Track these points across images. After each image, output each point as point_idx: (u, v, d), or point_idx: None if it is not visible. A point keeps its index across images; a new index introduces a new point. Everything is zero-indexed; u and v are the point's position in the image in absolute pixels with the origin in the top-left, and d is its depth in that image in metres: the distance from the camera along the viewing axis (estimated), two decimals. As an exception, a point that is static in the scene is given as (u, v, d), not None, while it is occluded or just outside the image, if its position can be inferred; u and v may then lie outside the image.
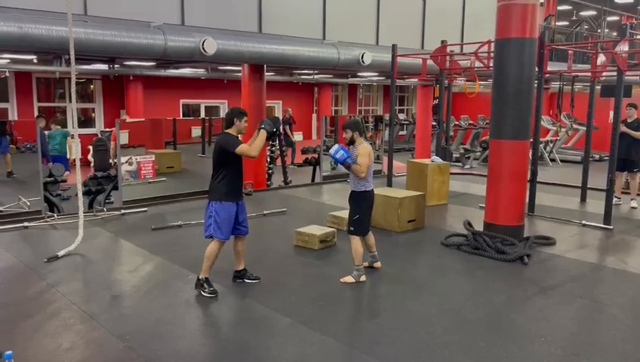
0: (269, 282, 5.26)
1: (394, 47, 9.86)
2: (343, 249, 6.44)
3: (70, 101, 14.53)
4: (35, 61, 12.11)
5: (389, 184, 9.65)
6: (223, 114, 17.82)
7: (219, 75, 16.22)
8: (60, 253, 5.87)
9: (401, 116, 22.58)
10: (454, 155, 14.69)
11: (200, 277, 4.91)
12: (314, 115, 21.44)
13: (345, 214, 7.34)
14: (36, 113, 14.54)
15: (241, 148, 4.72)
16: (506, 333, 4.24)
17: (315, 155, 12.38)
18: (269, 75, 11.78)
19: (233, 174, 4.88)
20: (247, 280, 5.22)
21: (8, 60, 11.90)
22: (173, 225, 7.28)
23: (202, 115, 17.87)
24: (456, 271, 5.84)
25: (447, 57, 10.13)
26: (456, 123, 16.58)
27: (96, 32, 7.71)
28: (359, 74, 17.17)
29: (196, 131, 14.29)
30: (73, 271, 5.57)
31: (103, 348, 3.94)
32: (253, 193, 9.77)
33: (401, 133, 22.05)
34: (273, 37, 10.09)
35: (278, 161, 11.85)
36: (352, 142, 5.34)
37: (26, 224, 7.14)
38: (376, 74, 16.41)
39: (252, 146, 4.81)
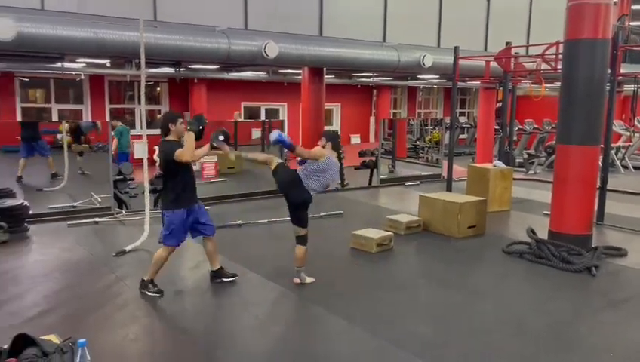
0: (326, 284, 5.29)
1: (456, 49, 9.68)
2: (401, 253, 6.39)
3: (139, 103, 15.24)
4: (107, 65, 12.76)
5: (449, 188, 9.47)
6: (282, 116, 18.10)
7: (279, 78, 16.47)
8: (128, 248, 6.16)
9: (462, 119, 22.09)
10: (517, 160, 14.20)
11: (145, 279, 4.90)
12: (372, 118, 21.35)
13: (403, 218, 7.31)
14: (108, 115, 15.33)
15: (175, 153, 4.59)
16: (570, 346, 4.06)
17: (373, 158, 12.33)
18: (328, 78, 11.86)
19: (180, 181, 4.77)
20: (224, 279, 5.22)
21: (84, 64, 12.61)
22: (233, 225, 7.46)
23: (262, 117, 18.21)
24: (518, 280, 5.65)
25: (512, 59, 9.83)
26: (520, 127, 16.02)
27: (164, 37, 8.06)
28: (419, 76, 16.96)
29: (256, 133, 14.61)
30: (139, 265, 5.82)
31: (165, 340, 4.10)
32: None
33: (461, 136, 21.58)
34: (333, 40, 10.16)
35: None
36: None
37: (96, 219, 7.55)
38: (437, 76, 16.15)
39: (184, 150, 4.61)
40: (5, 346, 2.78)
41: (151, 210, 6.89)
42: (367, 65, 10.87)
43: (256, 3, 9.45)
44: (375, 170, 11.75)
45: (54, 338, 3.08)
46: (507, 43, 9.84)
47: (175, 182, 4.77)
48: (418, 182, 11.52)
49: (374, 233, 6.46)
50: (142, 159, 6.87)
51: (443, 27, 12.03)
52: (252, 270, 5.55)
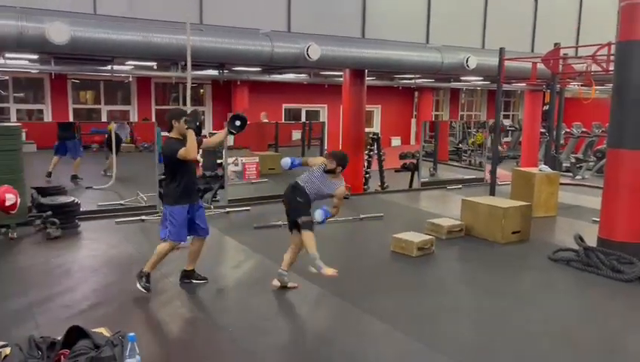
0: (366, 286, 5.28)
1: (501, 50, 9.47)
2: (442, 257, 6.31)
3: (184, 104, 15.61)
4: (154, 67, 13.13)
5: (492, 193, 9.28)
6: (322, 118, 18.17)
7: (320, 80, 16.54)
8: (172, 246, 6.30)
9: (507, 122, 21.60)
10: (564, 165, 13.78)
11: (144, 270, 4.92)
12: (413, 120, 21.16)
13: (444, 222, 7.21)
14: (154, 115, 15.78)
15: (180, 153, 4.65)
16: (620, 359, 3.91)
17: (414, 160, 12.22)
18: (369, 80, 11.81)
19: (183, 178, 4.81)
20: (194, 281, 5.20)
21: (132, 67, 13.01)
22: (274, 225, 7.54)
23: (303, 119, 18.33)
24: (564, 288, 5.48)
25: (561, 61, 9.55)
26: (568, 130, 15.53)
27: (210, 40, 8.21)
28: (462, 78, 16.68)
29: (296, 135, 14.72)
30: (183, 263, 5.95)
31: (208, 337, 4.18)
32: (350, 197, 9.85)
33: (505, 139, 21.09)
34: (376, 42, 10.11)
35: (375, 166, 11.84)
36: (331, 171, 5.01)
37: (143, 217, 7.77)
38: (481, 78, 15.84)
39: (187, 149, 4.64)
40: (59, 337, 2.90)
41: (194, 209, 7.03)
42: (410, 67, 10.78)
43: (299, 6, 9.52)
44: (416, 173, 11.65)
45: (105, 331, 3.19)
46: (556, 44, 9.57)
47: (178, 179, 4.81)
48: (460, 186, 11.33)
49: (415, 236, 6.39)
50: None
51: (488, 28, 11.80)
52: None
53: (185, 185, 4.85)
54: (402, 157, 14.23)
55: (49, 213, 6.84)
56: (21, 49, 7.92)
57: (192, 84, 6.69)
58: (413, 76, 16.58)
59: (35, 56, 10.96)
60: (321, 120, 17.80)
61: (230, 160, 9.20)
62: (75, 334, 2.84)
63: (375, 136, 11.78)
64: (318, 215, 4.86)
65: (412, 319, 4.52)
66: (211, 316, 4.54)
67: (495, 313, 4.74)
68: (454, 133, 19.36)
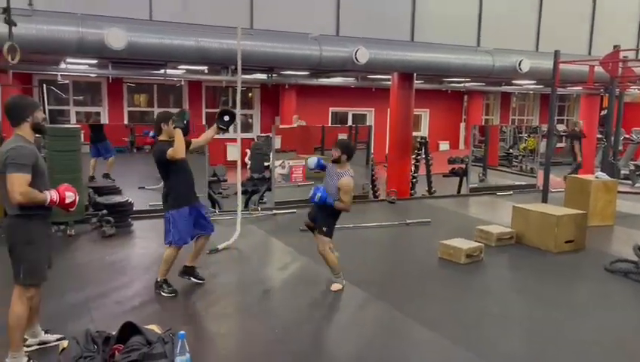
0: (412, 291, 5.22)
1: (556, 53, 9.16)
2: (491, 265, 6.15)
3: (234, 107, 15.91)
4: (205, 71, 13.46)
5: (545, 200, 8.97)
6: (369, 122, 18.09)
7: (367, 84, 16.49)
8: (220, 247, 6.43)
9: (560, 127, 20.86)
10: (623, 172, 13.16)
11: (158, 279, 4.92)
12: (462, 124, 20.75)
13: (494, 229, 7.03)
14: (204, 118, 16.15)
15: (168, 153, 4.59)
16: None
17: (463, 165, 11.98)
18: (417, 83, 11.68)
19: (178, 179, 4.77)
20: (193, 279, 5.16)
21: (184, 71, 13.38)
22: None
23: (349, 122, 18.31)
24: (622, 301, 5.23)
25: (620, 63, 9.14)
26: (627, 136, 14.84)
27: (260, 44, 8.34)
28: (514, 82, 16.25)
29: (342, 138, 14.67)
30: (231, 263, 6.07)
31: (254, 337, 4.23)
32: (397, 201, 9.76)
33: (559, 145, 20.36)
34: (425, 45, 10.00)
35: (422, 170, 11.69)
36: (336, 161, 5.03)
37: (192, 217, 7.95)
38: (534, 82, 15.39)
39: (174, 148, 4.58)
40: (114, 332, 3.00)
41: (242, 210, 7.15)
42: (460, 70, 10.60)
43: (348, 10, 9.53)
44: (465, 178, 11.42)
45: (156, 328, 3.28)
46: (615, 46, 9.17)
47: (174, 182, 4.79)
48: (510, 192, 11.02)
49: (463, 243, 6.26)
50: (235, 161, 7.15)
51: (542, 30, 11.44)
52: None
53: (183, 187, 4.82)
54: (451, 161, 13.99)
55: (104, 211, 7.12)
56: (81, 54, 8.31)
57: (242, 87, 6.80)
58: (462, 80, 16.28)
59: (94, 61, 11.46)
60: (367, 123, 17.73)
61: (277, 163, 9.29)
62: (129, 330, 2.94)
63: (423, 141, 11.62)
64: (310, 162, 5.15)
65: (460, 327, 4.43)
66: (257, 317, 4.58)
67: (547, 323, 4.57)
68: (505, 138, 18.82)
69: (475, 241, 6.56)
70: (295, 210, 8.70)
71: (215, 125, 5.08)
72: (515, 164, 16.40)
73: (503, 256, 6.57)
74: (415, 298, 5.06)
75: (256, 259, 6.45)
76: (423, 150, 11.47)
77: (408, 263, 6.22)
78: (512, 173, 14.97)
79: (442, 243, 6.33)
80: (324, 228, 5.09)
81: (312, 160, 5.27)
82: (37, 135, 3.58)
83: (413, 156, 11.43)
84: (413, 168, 11.33)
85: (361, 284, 5.27)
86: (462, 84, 17.70)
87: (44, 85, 11.38)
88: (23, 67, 10.74)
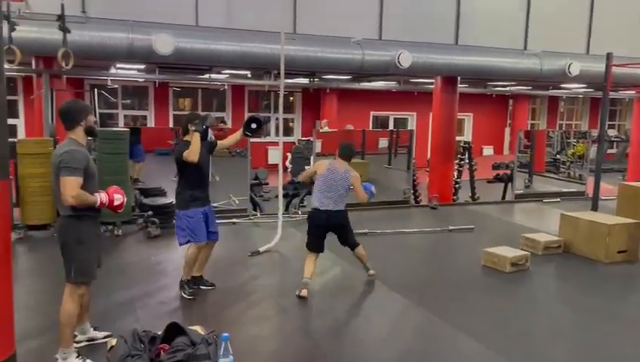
0: (454, 300, 5.11)
1: (609, 55, 8.81)
2: (538, 274, 5.97)
3: (275, 111, 16.07)
4: (248, 76, 13.65)
5: (595, 208, 8.62)
6: (410, 126, 17.92)
7: (409, 88, 16.34)
8: (261, 249, 6.49)
9: (612, 132, 20.09)
10: (679, 179, 12.53)
11: (182, 278, 4.96)
12: (507, 129, 20.28)
13: (541, 237, 6.82)
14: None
15: (184, 155, 4.63)
16: None
17: (507, 171, 11.69)
18: (461, 87, 11.48)
19: (189, 181, 4.79)
20: (202, 287, 5.10)
21: (228, 75, 13.61)
22: (360, 232, 7.49)
23: (390, 126, 18.19)
24: (679, 317, 4.97)
25: (678, 66, 8.72)
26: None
27: (302, 49, 8.39)
28: (563, 85, 15.75)
29: (383, 142, 14.60)
30: (272, 266, 6.12)
31: (293, 341, 4.25)
32: (439, 207, 9.61)
33: (609, 151, 19.61)
34: (470, 48, 9.82)
35: (465, 176, 11.47)
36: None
37: (234, 220, 8.06)
38: (584, 85, 14.87)
39: (189, 150, 4.62)
40: (160, 332, 3.06)
41: (283, 213, 7.19)
42: (506, 74, 10.35)
43: (391, 14, 9.47)
44: (510, 184, 11.13)
45: (200, 329, 3.33)
46: (672, 48, 8.76)
47: (184, 182, 4.83)
48: (558, 199, 10.67)
49: (508, 251, 6.10)
50: (277, 164, 7.21)
51: (593, 31, 11.05)
52: (377, 279, 5.54)
53: (192, 189, 4.82)
54: (495, 167, 13.66)
55: (150, 212, 7.30)
56: (130, 59, 8.57)
57: (284, 91, 6.85)
58: (508, 83, 15.91)
59: (142, 66, 11.80)
60: (409, 128, 17.56)
61: (318, 166, 9.29)
62: (174, 330, 2.99)
63: (466, 145, 11.42)
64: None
65: (504, 337, 4.31)
66: (296, 320, 4.60)
67: (595, 336, 4.39)
68: (552, 143, 18.26)
69: (521, 249, 6.39)
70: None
71: (241, 130, 5.10)
72: (563, 170, 15.89)
73: (550, 266, 6.36)
74: (458, 306, 4.96)
75: (296, 262, 6.43)
76: (467, 155, 11.27)
77: (450, 270, 6.11)
78: (559, 179, 14.51)
79: (486, 251, 6.19)
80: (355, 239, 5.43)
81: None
82: (89, 138, 3.71)
83: (456, 161, 11.24)
84: (456, 173, 11.14)
85: (401, 290, 5.21)
86: (507, 88, 17.29)
87: (95, 89, 11.81)
88: (76, 72, 11.17)
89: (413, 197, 10.54)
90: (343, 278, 5.78)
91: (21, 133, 13.31)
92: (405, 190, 10.24)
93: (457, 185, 11.14)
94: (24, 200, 6.88)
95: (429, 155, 12.66)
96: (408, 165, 10.67)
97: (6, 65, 6.45)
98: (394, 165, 12.32)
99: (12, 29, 6.21)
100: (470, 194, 11.18)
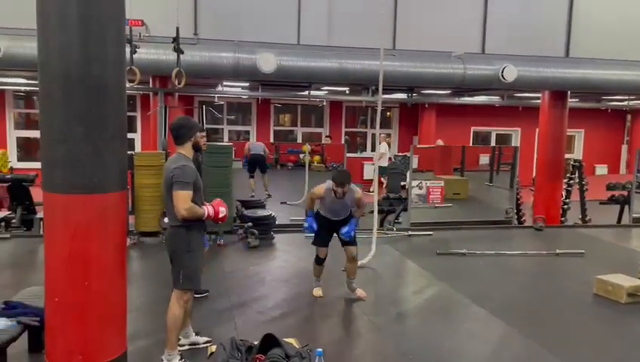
0: (562, 330, 4.75)
1: None
2: (660, 308, 5.37)
3: (372, 127, 16.10)
4: (346, 92, 13.82)
5: None
6: (514, 142, 17.12)
7: (514, 102, 15.65)
8: (355, 265, 6.46)
9: None
10: None
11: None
12: (624, 147, 18.69)
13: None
14: (343, 137, 16.57)
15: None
16: None
17: (624, 192, 10.72)
18: (571, 102, 10.78)
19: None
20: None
21: (326, 92, 13.89)
22: (458, 253, 7.25)
23: (492, 142, 17.50)
24: None
25: None
26: None
27: (401, 64, 8.37)
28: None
29: (484, 159, 14.06)
30: (365, 283, 6.04)
31: (387, 361, 4.16)
32: (545, 228, 9.03)
33: None
34: (582, 60, 9.22)
35: (575, 196, 10.69)
36: (342, 195, 4.94)
37: (329, 234, 8.12)
38: None
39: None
40: (256, 342, 3.15)
41: (377, 230, 7.13)
42: (622, 88, 9.59)
43: (495, 27, 9.17)
44: (626, 207, 10.20)
45: (295, 343, 3.38)
46: None
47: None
48: (685, 225, 9.61)
49: (625, 280, 5.56)
50: (371, 180, 7.18)
51: None
52: (476, 302, 5.30)
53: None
54: (610, 188, 12.60)
55: (250, 224, 7.58)
56: (236, 78, 9.04)
57: (381, 107, 6.84)
58: (625, 97, 14.69)
59: (246, 84, 12.40)
60: (513, 144, 16.78)
61: (414, 183, 9.16)
62: (269, 341, 3.06)
63: (576, 164, 10.67)
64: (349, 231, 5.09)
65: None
66: (391, 340, 4.50)
67: None
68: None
69: (639, 278, 5.80)
70: (431, 233, 8.47)
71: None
72: (692, 192, 14.28)
73: (676, 299, 5.70)
74: (565, 337, 4.60)
75: (390, 279, 6.38)
76: (577, 174, 10.52)
77: (557, 297, 5.68)
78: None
79: (599, 279, 5.69)
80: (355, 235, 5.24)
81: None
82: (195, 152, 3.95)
83: (565, 180, 10.53)
84: (564, 193, 10.44)
85: (502, 315, 4.93)
86: (625, 103, 15.96)
87: (203, 106, 12.58)
88: (187, 90, 11.98)
89: (516, 217, 10.01)
90: (439, 299, 5.59)
91: (138, 147, 14.49)
92: (508, 209, 9.76)
93: (566, 206, 10.43)
94: (138, 208, 7.44)
95: (534, 173, 11.99)
96: (511, 183, 10.16)
97: (127, 84, 7.10)
98: (495, 183, 11.82)
99: (134, 52, 6.81)
100: (580, 216, 10.40)
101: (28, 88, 13.26)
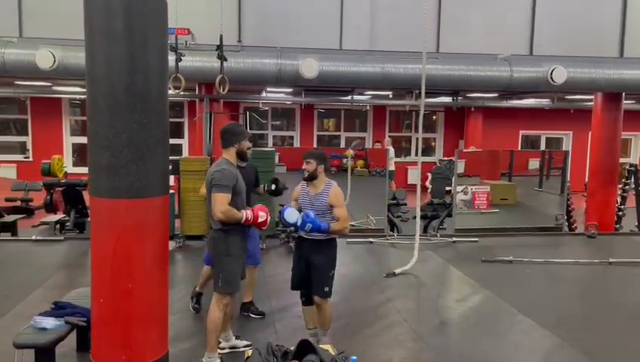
0: (617, 345, 4.52)
1: None
2: None
3: (416, 131, 15.91)
4: (390, 96, 13.73)
5: None
6: (565, 146, 16.51)
7: (564, 105, 15.11)
8: (397, 271, 6.39)
9: None
10: None
11: (196, 289, 4.97)
12: (686, 150, 17.71)
13: None
14: (387, 142, 16.44)
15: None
16: None
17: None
18: (626, 104, 10.30)
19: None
20: (252, 315, 4.87)
21: (369, 96, 13.84)
22: (504, 260, 7.04)
23: (542, 146, 16.94)
24: None
25: None
26: None
27: (444, 67, 8.23)
28: None
29: (533, 163, 13.62)
30: (407, 289, 5.98)
31: (428, 370, 4.08)
32: (597, 236, 8.65)
33: None
34: (637, 61, 8.80)
35: (631, 202, 10.19)
36: (312, 177, 3.99)
37: (371, 239, 8.07)
38: None
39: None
40: (292, 348, 3.15)
41: (420, 235, 7.03)
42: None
43: (543, 27, 8.88)
44: (688, 214, 9.65)
45: (331, 349, 3.36)
46: None
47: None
48: None
49: (685, 292, 5.25)
50: (415, 185, 7.08)
51: None
52: (522, 312, 5.12)
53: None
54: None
55: (292, 228, 7.61)
56: (278, 84, 9.12)
57: (425, 111, 6.74)
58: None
59: (290, 90, 12.52)
60: (563, 148, 16.19)
61: (459, 188, 8.97)
62: (305, 347, 3.06)
63: (632, 168, 10.17)
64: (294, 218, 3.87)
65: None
66: (432, 349, 4.41)
67: None
68: None
69: (702, 291, 5.47)
70: (477, 239, 8.27)
71: (261, 187, 5.02)
72: None
73: None
74: (621, 353, 4.37)
75: (433, 287, 6.26)
76: (632, 179, 10.03)
77: (611, 308, 5.42)
78: None
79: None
80: (326, 289, 4.02)
81: (291, 213, 3.95)
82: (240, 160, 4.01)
83: (620, 186, 10.07)
84: (619, 199, 9.98)
85: (551, 327, 4.75)
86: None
87: (248, 112, 12.79)
88: (232, 96, 12.22)
89: (567, 223, 9.64)
90: (484, 308, 5.44)
91: (185, 152, 14.86)
92: (558, 216, 9.41)
93: (621, 213, 9.96)
94: (184, 212, 7.62)
95: (586, 178, 11.52)
96: (562, 188, 9.80)
97: (173, 91, 7.30)
98: (545, 188, 11.42)
99: (179, 60, 6.99)
100: (636, 224, 9.90)
101: (83, 96, 13.86)
